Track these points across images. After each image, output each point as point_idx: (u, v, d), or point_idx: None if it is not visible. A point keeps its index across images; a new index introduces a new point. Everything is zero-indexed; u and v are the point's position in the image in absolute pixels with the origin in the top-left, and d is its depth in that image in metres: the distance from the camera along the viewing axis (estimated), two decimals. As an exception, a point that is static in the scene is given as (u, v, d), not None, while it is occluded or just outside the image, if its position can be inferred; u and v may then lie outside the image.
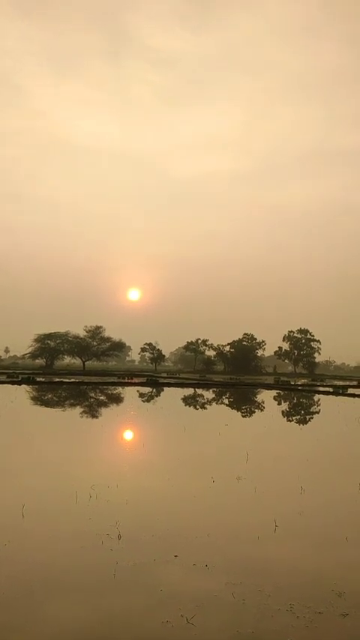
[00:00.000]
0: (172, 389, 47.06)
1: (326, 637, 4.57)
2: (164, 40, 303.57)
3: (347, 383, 64.73)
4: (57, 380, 52.22)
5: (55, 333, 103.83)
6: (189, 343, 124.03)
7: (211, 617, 4.88)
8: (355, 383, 64.81)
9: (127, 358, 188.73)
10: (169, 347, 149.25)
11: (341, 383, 64.21)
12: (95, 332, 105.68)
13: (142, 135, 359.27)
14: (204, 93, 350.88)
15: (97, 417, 23.58)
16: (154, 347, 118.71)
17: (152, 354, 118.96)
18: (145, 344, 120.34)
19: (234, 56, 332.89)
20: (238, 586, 5.53)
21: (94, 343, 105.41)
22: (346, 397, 40.51)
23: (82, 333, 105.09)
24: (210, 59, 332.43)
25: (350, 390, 46.20)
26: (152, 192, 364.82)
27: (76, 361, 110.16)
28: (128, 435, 18.31)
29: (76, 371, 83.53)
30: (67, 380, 51.88)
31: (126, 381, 55.77)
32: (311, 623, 4.81)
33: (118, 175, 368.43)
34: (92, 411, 26.16)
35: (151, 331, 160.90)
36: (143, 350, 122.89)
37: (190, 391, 44.77)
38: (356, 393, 43.06)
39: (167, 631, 4.63)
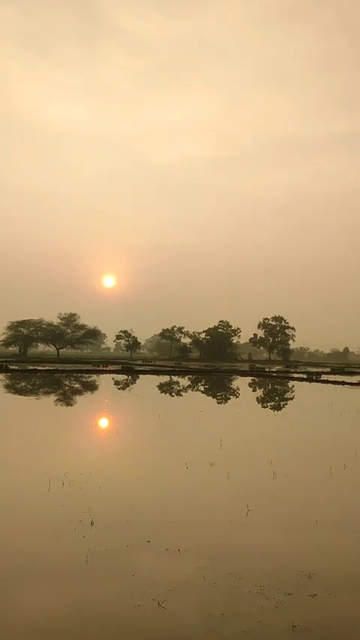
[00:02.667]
0: (147, 376, 47.09)
1: (295, 617, 4.65)
2: (139, 24, 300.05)
3: (321, 369, 65.70)
4: (31, 368, 51.75)
5: (28, 320, 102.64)
6: (165, 330, 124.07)
7: (183, 600, 4.93)
8: (328, 369, 65.83)
9: (102, 346, 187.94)
10: (144, 334, 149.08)
11: (315, 369, 65.14)
12: (69, 319, 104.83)
13: (117, 120, 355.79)
14: (179, 79, 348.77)
15: (71, 404, 23.47)
16: (130, 334, 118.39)
17: (127, 341, 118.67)
18: (121, 331, 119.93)
19: (210, 42, 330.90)
20: (210, 569, 5.59)
21: (69, 331, 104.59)
22: (319, 383, 41.12)
23: (56, 321, 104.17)
24: (186, 45, 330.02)
25: (323, 377, 46.91)
26: (128, 179, 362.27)
27: (50, 349, 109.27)
28: (102, 422, 18.27)
29: (50, 359, 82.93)
30: (41, 368, 51.46)
31: (101, 368, 55.58)
32: (280, 604, 4.90)
33: (93, 161, 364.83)
34: (66, 399, 26.03)
35: (127, 318, 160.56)
36: (118, 337, 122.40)
37: (165, 378, 44.87)
38: (329, 379, 43.73)
39: (139, 615, 4.66)
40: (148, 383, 39.23)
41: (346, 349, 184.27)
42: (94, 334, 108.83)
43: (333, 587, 5.28)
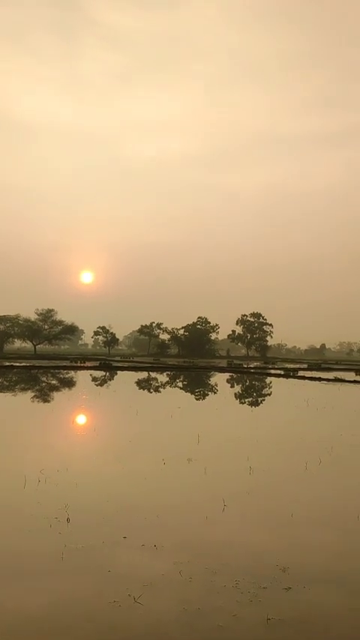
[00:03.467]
0: (125, 372, 46.98)
1: (270, 610, 4.70)
2: (118, 18, 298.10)
3: (298, 366, 66.39)
4: (7, 364, 51.15)
5: (4, 316, 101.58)
6: (143, 327, 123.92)
7: (159, 595, 4.94)
8: (305, 366, 66.55)
9: (80, 342, 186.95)
10: (122, 330, 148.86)
11: (292, 366, 65.77)
12: (47, 315, 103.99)
13: (94, 114, 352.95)
14: (159, 74, 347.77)
15: (48, 401, 23.30)
16: (108, 330, 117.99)
17: (106, 337, 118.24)
18: (99, 327, 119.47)
19: (190, 37, 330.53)
20: (186, 565, 5.61)
21: (46, 327, 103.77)
22: (296, 379, 41.50)
23: (33, 317, 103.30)
24: (166, 39, 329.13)
25: (300, 373, 47.36)
26: (107, 174, 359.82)
27: (27, 345, 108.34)
28: (80, 419, 18.18)
29: (27, 355, 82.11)
30: (18, 364, 50.92)
31: (78, 364, 55.26)
32: (255, 597, 4.94)
33: (70, 155, 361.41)
34: (43, 396, 25.83)
35: (105, 314, 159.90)
36: (96, 333, 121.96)
37: (143, 375, 44.81)
38: (306, 375, 44.18)
39: (114, 611, 4.66)
40: (126, 379, 39.15)
41: (323, 345, 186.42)
42: (71, 330, 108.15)
43: (307, 580, 5.34)
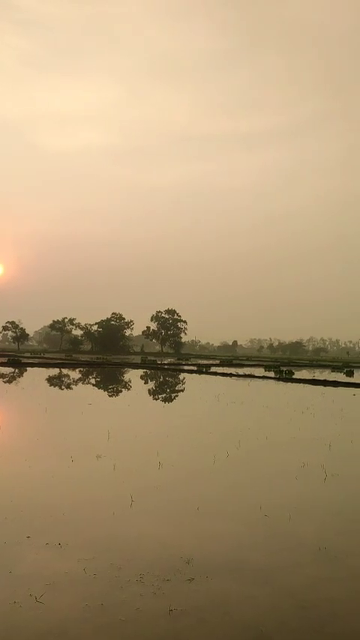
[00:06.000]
0: (35, 369, 45.78)
1: (172, 602, 4.77)
2: (38, 4, 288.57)
3: (210, 362, 67.91)
4: None
5: None
6: (55, 322, 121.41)
7: (61, 594, 4.87)
8: (217, 362, 68.16)
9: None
10: (33, 326, 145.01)
11: (205, 362, 67.17)
12: None
13: (8, 100, 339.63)
14: (78, 64, 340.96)
15: None
16: (17, 325, 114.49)
17: (15, 332, 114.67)
18: (7, 322, 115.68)
19: (110, 30, 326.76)
20: (91, 562, 5.58)
21: None
22: (208, 375, 42.38)
23: None
24: (85, 29, 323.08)
25: (213, 369, 48.44)
26: (18, 164, 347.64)
27: None
28: (-14, 416, 17.51)
29: None
30: None
31: (-13, 361, 53.15)
32: (159, 590, 5.00)
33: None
34: None
35: (15, 309, 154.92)
36: (5, 329, 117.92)
37: (55, 371, 43.90)
38: (218, 371, 45.23)
39: (14, 611, 4.54)
40: (36, 376, 38.15)
41: (235, 342, 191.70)
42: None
43: (210, 570, 5.48)
